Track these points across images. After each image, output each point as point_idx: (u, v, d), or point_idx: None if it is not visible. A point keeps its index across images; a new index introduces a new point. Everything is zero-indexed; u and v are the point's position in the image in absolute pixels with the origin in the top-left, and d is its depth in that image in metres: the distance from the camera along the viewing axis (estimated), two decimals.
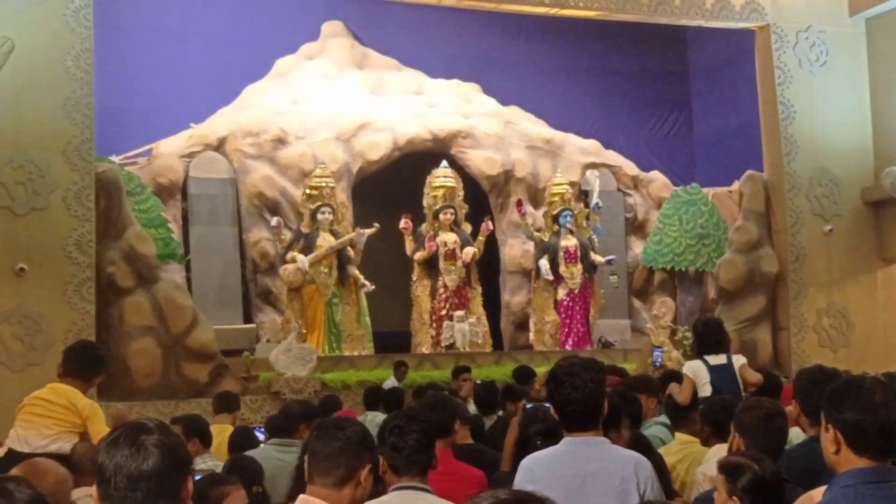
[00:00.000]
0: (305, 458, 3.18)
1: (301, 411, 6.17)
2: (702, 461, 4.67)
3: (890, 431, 2.76)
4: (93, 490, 2.36)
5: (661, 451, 5.14)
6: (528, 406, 5.85)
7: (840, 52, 13.89)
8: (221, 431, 6.81)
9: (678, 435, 5.48)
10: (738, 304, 13.28)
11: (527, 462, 3.74)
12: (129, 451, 2.26)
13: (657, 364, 10.76)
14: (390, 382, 10.26)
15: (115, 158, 12.22)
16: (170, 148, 13.32)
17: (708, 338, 6.81)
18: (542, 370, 10.28)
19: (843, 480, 2.75)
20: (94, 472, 2.38)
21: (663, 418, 6.08)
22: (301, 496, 3.11)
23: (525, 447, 4.88)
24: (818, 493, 2.96)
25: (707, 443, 4.86)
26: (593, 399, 3.60)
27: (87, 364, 5.94)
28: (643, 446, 4.46)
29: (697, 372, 6.60)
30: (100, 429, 5.72)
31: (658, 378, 7.81)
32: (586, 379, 3.60)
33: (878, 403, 2.75)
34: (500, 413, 7.40)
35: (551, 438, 4.85)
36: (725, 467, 3.37)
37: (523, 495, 1.82)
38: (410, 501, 3.47)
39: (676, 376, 7.86)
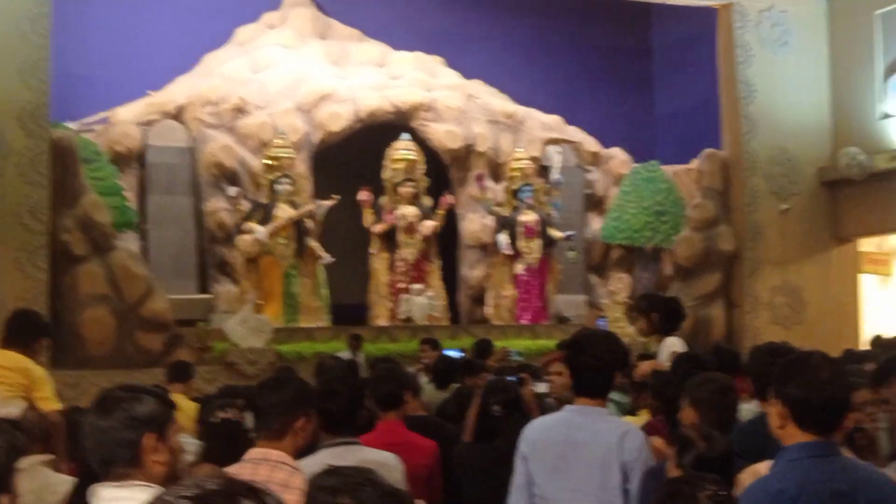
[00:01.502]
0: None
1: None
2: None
3: (834, 408, 2.82)
4: (41, 458, 2.32)
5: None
6: (491, 378, 5.90)
7: (801, 33, 13.97)
8: (177, 401, 6.76)
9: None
10: (694, 281, 13.39)
11: (528, 426, 3.95)
12: None
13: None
14: (345, 355, 10.24)
15: (71, 125, 12.04)
16: (127, 115, 13.14)
17: (677, 316, 6.81)
18: (500, 344, 10.35)
19: (788, 454, 2.80)
20: (43, 439, 2.36)
21: (615, 395, 6.12)
22: (252, 450, 3.46)
23: (485, 418, 4.93)
24: (764, 466, 3.01)
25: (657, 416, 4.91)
26: (607, 370, 3.78)
27: (25, 332, 5.93)
28: None
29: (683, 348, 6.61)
30: (45, 395, 5.71)
31: None
32: (604, 349, 3.79)
33: (824, 380, 2.81)
34: (458, 386, 7.41)
35: (512, 409, 4.91)
36: (676, 440, 3.41)
37: (232, 485, 1.63)
38: (340, 455, 3.67)
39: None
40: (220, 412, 4.73)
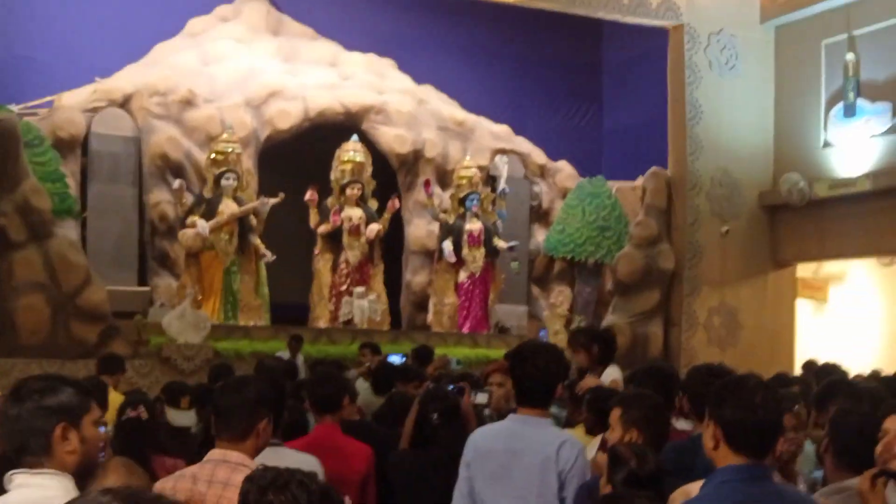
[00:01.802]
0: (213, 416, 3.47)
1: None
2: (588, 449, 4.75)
3: (766, 431, 2.85)
4: None
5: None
6: (430, 385, 5.90)
7: (749, 57, 14.21)
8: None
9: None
10: (634, 298, 13.53)
11: (474, 434, 4.05)
12: None
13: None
14: (284, 356, 10.18)
15: (13, 107, 11.80)
16: (72, 101, 12.93)
17: (613, 347, 6.89)
18: (440, 351, 10.35)
19: (720, 476, 2.83)
20: None
21: (553, 408, 6.16)
22: (212, 451, 3.38)
23: (422, 426, 4.94)
24: (695, 486, 3.04)
25: (592, 432, 4.95)
26: (549, 381, 3.89)
27: None
28: None
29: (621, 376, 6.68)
30: None
31: None
32: (548, 360, 3.89)
33: (758, 404, 2.84)
34: (393, 391, 7.40)
35: (450, 418, 4.93)
36: (609, 456, 3.44)
37: (133, 496, 1.70)
38: (262, 456, 3.58)
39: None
40: (129, 409, 4.75)
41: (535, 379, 3.88)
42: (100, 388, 5.73)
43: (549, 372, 3.89)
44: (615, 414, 3.84)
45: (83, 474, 2.61)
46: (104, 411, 5.75)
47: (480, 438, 3.96)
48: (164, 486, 3.32)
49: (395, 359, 6.09)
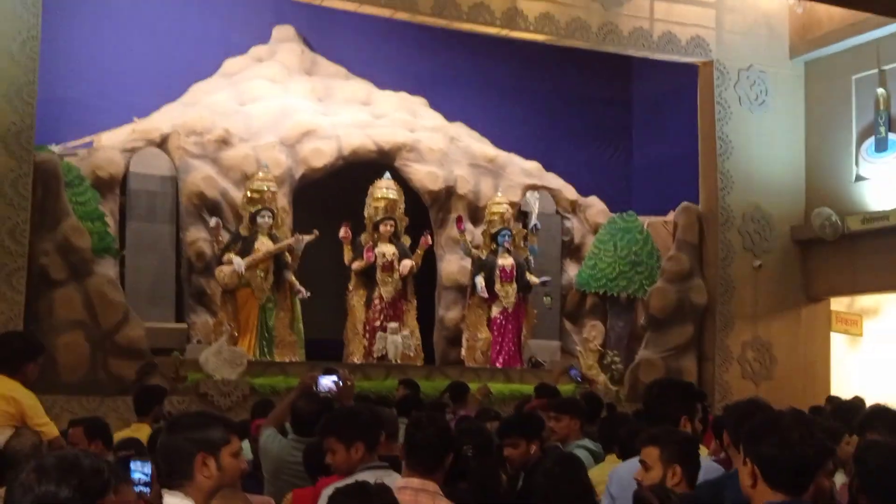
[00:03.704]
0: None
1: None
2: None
3: (804, 468, 2.89)
4: None
5: (596, 469, 5.29)
6: (460, 420, 5.96)
7: (779, 93, 14.26)
8: (138, 430, 6.80)
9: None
10: (667, 332, 13.53)
11: (618, 468, 4.44)
12: None
13: (578, 379, 11.00)
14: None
15: (55, 148, 12.05)
16: (111, 141, 13.16)
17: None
18: (474, 386, 10.42)
19: None
20: None
21: (586, 442, 6.21)
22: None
23: (456, 460, 5.00)
24: None
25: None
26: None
27: (15, 355, 5.82)
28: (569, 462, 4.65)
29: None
30: (43, 422, 5.60)
31: (580, 397, 8.01)
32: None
33: (795, 441, 2.88)
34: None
35: (483, 453, 4.98)
36: (634, 501, 3.49)
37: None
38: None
39: (596, 398, 8.08)
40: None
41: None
42: (244, 428, 6.39)
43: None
44: (653, 453, 3.87)
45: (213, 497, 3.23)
46: (110, 449, 5.93)
47: (625, 473, 4.17)
48: None
49: (327, 381, 5.99)
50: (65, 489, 2.22)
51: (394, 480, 4.12)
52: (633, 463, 4.16)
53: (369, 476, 4.06)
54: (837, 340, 14.27)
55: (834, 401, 10.51)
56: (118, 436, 6.59)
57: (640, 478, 3.92)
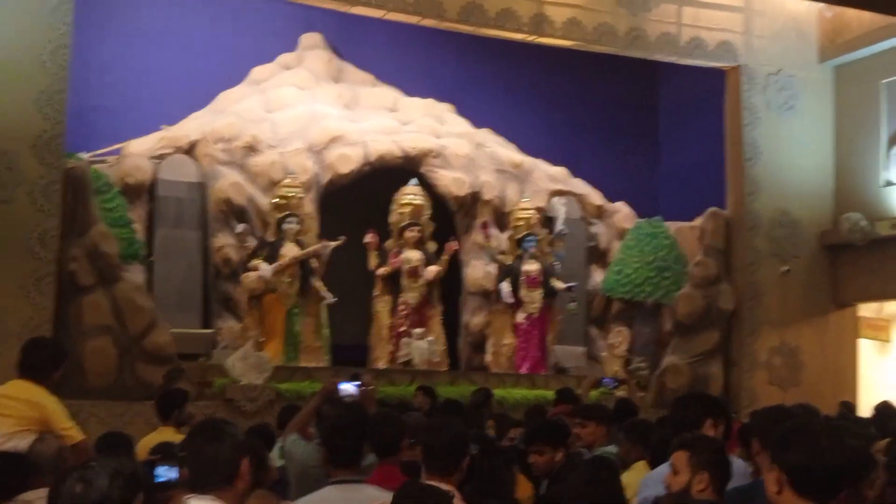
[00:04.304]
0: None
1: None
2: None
3: (833, 475, 2.86)
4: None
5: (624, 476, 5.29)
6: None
7: (808, 98, 14.17)
8: (162, 433, 6.80)
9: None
10: (693, 338, 13.46)
11: (648, 475, 4.47)
12: None
13: (611, 387, 10.94)
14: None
15: (84, 155, 12.14)
16: (140, 148, 13.26)
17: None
18: (499, 392, 10.41)
19: None
20: (53, 471, 2.50)
21: (611, 448, 6.20)
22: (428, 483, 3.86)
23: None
24: None
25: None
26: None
27: (42, 361, 5.87)
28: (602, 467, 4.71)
29: None
30: (67, 426, 5.64)
31: (614, 407, 7.97)
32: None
33: (824, 448, 2.85)
34: None
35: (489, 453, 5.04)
36: None
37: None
38: (349, 492, 4.21)
39: (631, 405, 8.03)
40: None
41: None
42: (267, 433, 6.72)
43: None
44: (682, 457, 3.86)
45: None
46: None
47: (659, 479, 4.19)
48: None
49: (349, 387, 6.02)
50: (114, 494, 2.30)
51: (366, 496, 4.26)
52: (665, 469, 4.15)
53: (334, 492, 4.24)
54: (865, 346, 14.14)
55: (847, 405, 10.45)
56: (143, 441, 6.62)
57: (669, 481, 3.91)
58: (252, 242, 12.58)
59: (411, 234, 13.10)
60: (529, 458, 5.47)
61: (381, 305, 13.17)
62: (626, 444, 5.97)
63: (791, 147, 13.98)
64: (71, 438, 5.57)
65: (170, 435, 6.72)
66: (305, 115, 14.24)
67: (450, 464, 4.15)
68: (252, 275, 12.26)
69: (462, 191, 14.41)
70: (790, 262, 13.79)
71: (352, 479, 4.41)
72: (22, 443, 5.31)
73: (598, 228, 15.43)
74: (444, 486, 3.88)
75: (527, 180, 15.03)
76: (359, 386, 6.20)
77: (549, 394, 11.70)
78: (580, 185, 15.57)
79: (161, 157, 13.18)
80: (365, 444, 4.93)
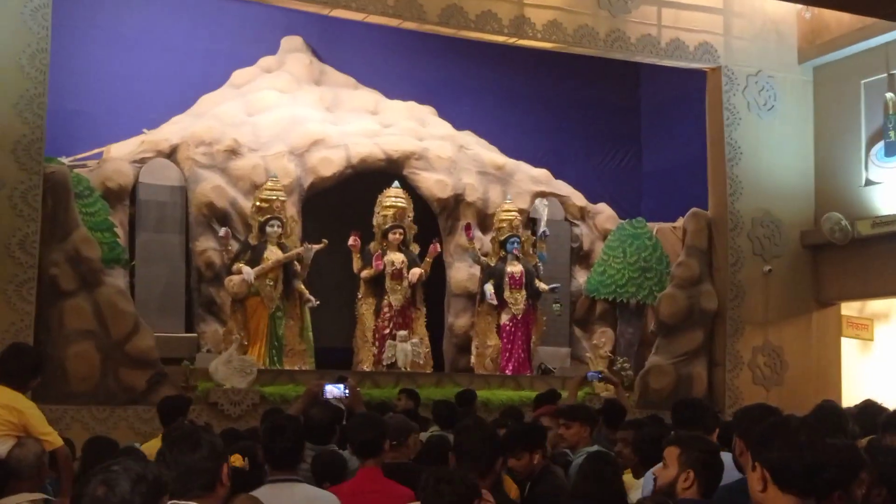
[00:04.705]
0: None
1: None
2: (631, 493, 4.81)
3: (814, 471, 2.88)
4: (29, 496, 2.50)
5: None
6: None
7: (788, 98, 14.25)
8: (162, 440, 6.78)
9: None
10: (677, 338, 13.50)
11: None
12: None
13: (599, 378, 10.98)
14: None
15: (64, 160, 12.11)
16: (121, 152, 13.22)
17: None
18: (483, 394, 10.39)
19: None
20: (33, 476, 2.51)
21: (594, 448, 6.19)
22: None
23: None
24: None
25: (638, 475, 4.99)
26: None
27: (22, 368, 5.84)
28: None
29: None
30: (44, 430, 5.63)
31: (602, 408, 7.97)
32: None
33: (804, 443, 2.87)
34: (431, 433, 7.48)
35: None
36: None
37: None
38: (279, 490, 4.31)
39: (618, 405, 8.03)
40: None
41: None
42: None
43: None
44: (672, 452, 3.87)
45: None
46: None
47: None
48: None
49: (334, 389, 6.04)
50: (135, 500, 2.34)
51: (301, 494, 4.39)
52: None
53: (266, 490, 4.28)
54: (848, 345, 14.22)
55: (828, 403, 10.43)
56: (145, 447, 6.58)
57: (657, 474, 3.95)
58: (234, 246, 12.56)
59: (394, 236, 13.09)
60: (508, 462, 5.46)
61: (365, 308, 13.15)
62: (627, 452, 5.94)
63: (772, 147, 14.05)
64: (50, 444, 5.55)
65: None
66: (287, 118, 14.21)
67: (482, 465, 4.23)
68: (235, 278, 12.22)
69: (445, 193, 14.42)
70: (772, 261, 13.85)
71: (287, 478, 4.53)
72: (2, 447, 5.29)
73: (581, 230, 15.47)
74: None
75: (509, 182, 15.05)
76: (344, 388, 6.21)
77: (534, 395, 11.70)
78: (563, 187, 15.60)
79: (142, 161, 13.14)
80: (346, 447, 4.97)
